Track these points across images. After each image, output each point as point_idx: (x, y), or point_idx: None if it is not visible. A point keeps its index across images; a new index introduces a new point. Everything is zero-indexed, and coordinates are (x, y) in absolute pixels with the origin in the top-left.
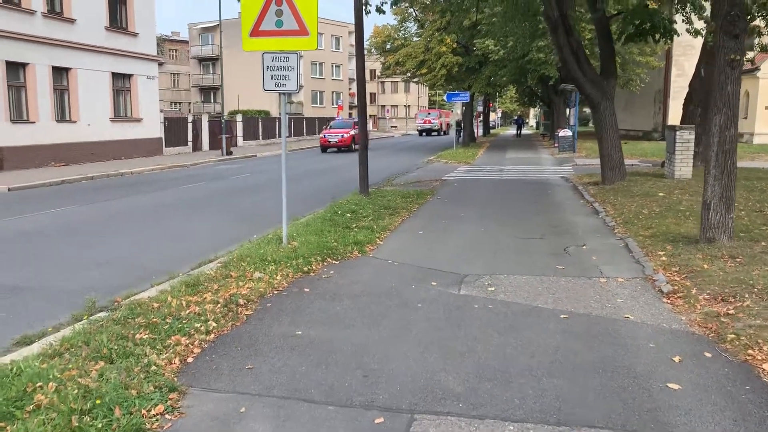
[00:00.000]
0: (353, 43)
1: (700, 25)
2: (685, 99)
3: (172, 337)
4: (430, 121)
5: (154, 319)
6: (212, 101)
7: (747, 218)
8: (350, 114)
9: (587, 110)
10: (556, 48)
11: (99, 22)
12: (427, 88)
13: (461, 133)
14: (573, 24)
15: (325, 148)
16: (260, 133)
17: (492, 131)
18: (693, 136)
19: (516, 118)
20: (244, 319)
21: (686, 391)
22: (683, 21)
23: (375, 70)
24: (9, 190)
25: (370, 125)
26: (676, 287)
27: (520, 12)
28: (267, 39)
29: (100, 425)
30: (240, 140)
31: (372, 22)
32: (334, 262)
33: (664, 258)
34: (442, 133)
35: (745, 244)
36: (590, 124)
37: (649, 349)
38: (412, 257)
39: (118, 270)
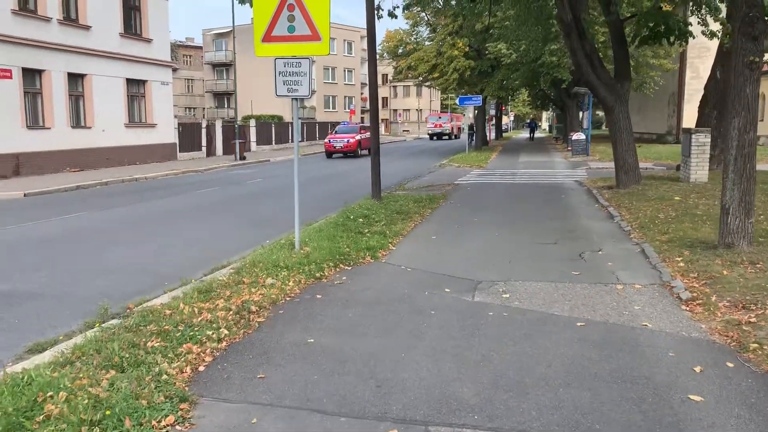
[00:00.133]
0: (365, 47)
1: (715, 26)
2: (701, 102)
3: (184, 345)
4: (441, 125)
5: (166, 327)
6: (226, 106)
7: (767, 223)
8: (362, 119)
9: (600, 113)
10: (570, 51)
11: (114, 28)
12: (439, 92)
13: (473, 137)
14: (586, 27)
15: (330, 153)
16: (273, 138)
17: (504, 135)
18: (709, 139)
19: (529, 121)
20: (256, 326)
21: (708, 403)
22: (698, 23)
23: (387, 75)
24: (25, 195)
25: (382, 129)
26: (695, 294)
27: (533, 15)
28: (279, 44)
29: None
30: (253, 145)
31: (384, 27)
32: (346, 267)
33: (681, 264)
34: (453, 137)
35: (765, 250)
36: (603, 127)
37: (669, 358)
38: (425, 263)
39: (131, 276)
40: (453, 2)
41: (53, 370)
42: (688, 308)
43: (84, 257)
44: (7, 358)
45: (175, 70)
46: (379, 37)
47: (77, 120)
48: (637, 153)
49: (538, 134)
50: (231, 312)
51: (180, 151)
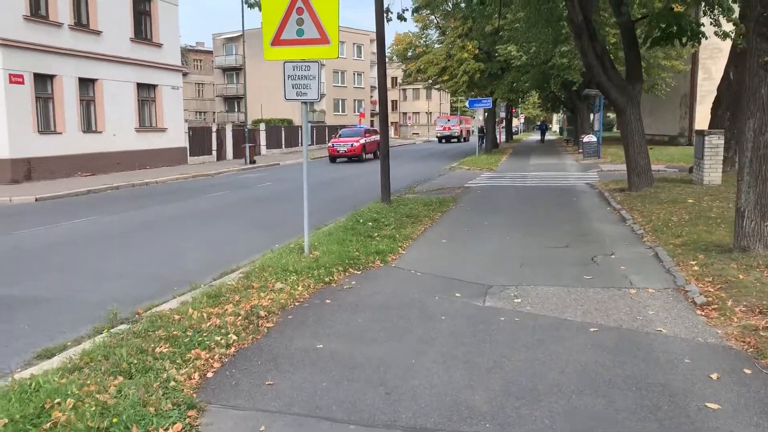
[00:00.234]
0: (375, 50)
1: (728, 27)
2: (714, 103)
3: (192, 351)
4: (449, 128)
5: (175, 332)
6: (236, 110)
7: None
8: (372, 122)
9: (611, 115)
10: (581, 53)
11: (124, 33)
12: (449, 94)
13: (484, 140)
14: (597, 28)
15: (334, 158)
16: (283, 142)
17: (515, 137)
18: (722, 141)
19: (539, 123)
20: (265, 331)
21: (726, 411)
22: (711, 23)
23: (396, 78)
24: (36, 200)
25: (391, 132)
26: (710, 298)
27: (544, 17)
28: (288, 48)
29: None
30: (263, 149)
31: (393, 30)
32: (356, 272)
33: (696, 267)
34: (462, 139)
35: None
36: (614, 129)
37: (685, 364)
38: (435, 267)
39: (140, 280)
40: (462, 4)
41: (61, 377)
42: (703, 313)
43: (94, 262)
44: (17, 363)
45: (185, 74)
46: (389, 40)
47: (88, 125)
48: (649, 155)
49: (548, 136)
50: (240, 317)
51: (190, 155)
